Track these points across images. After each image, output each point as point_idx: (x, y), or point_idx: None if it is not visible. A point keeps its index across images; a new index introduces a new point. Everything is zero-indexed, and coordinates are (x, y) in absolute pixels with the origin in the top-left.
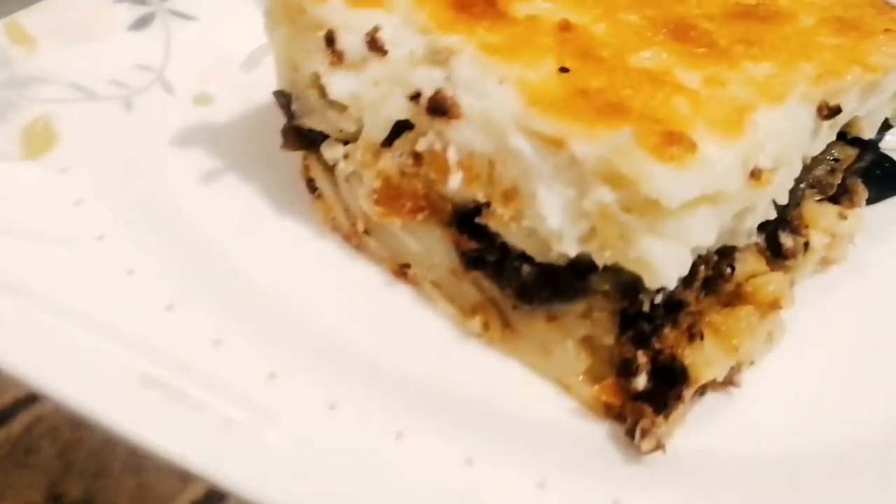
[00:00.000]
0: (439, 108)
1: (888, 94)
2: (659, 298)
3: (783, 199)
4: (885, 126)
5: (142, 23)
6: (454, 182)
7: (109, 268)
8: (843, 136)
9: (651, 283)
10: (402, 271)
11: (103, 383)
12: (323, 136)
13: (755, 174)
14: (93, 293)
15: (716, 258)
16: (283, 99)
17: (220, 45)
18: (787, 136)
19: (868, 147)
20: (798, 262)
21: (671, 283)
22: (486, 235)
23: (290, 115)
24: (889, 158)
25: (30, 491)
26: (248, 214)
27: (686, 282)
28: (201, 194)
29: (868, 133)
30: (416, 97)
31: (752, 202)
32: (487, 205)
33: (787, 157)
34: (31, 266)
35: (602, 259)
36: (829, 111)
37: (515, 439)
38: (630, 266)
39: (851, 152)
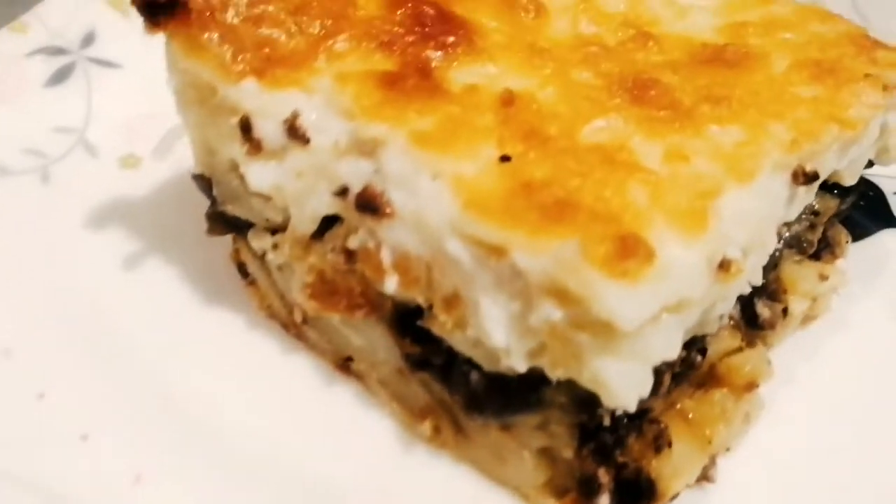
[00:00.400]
0: (368, 205)
1: (870, 142)
2: (629, 410)
3: (757, 281)
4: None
5: (60, 76)
6: (390, 285)
7: (16, 390)
8: (823, 184)
9: (609, 404)
10: (345, 366)
11: None
12: (250, 224)
13: (724, 266)
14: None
15: (683, 353)
16: (203, 183)
17: (149, 96)
18: (759, 217)
19: (850, 192)
20: (777, 331)
21: (631, 406)
22: (430, 338)
23: (212, 200)
24: (873, 186)
25: None
26: (176, 304)
27: (652, 390)
28: (124, 282)
29: (850, 181)
30: (343, 192)
31: (721, 296)
32: (429, 308)
33: (760, 239)
34: None
35: (554, 375)
36: (806, 178)
37: None
38: (585, 385)
39: (832, 203)
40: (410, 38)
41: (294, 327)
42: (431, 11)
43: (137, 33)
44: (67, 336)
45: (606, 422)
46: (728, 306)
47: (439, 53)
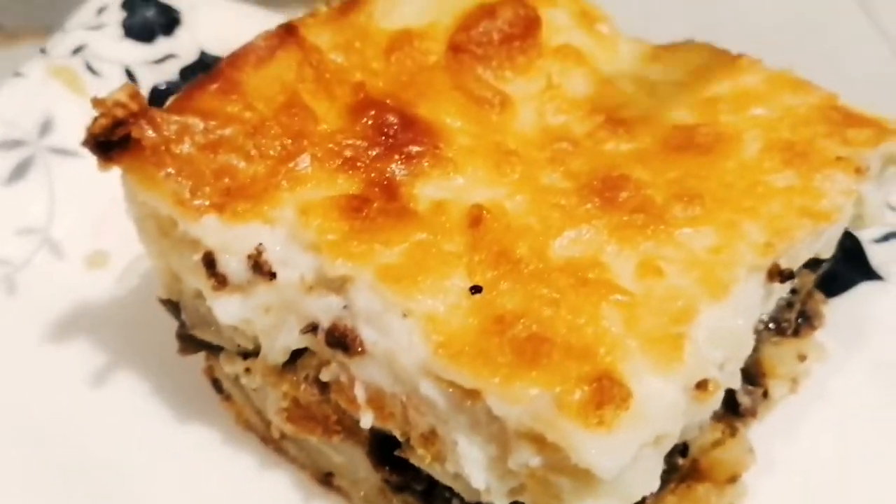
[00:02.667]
0: (339, 342)
1: (844, 222)
2: None
3: (736, 384)
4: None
5: (19, 172)
6: (365, 420)
7: None
8: None
9: None
10: (326, 480)
11: None
12: (220, 347)
13: (701, 386)
14: None
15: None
16: (171, 307)
17: (112, 184)
18: (736, 330)
19: (826, 259)
20: (757, 414)
21: None
22: (410, 465)
23: (180, 322)
24: (850, 235)
25: None
26: (150, 420)
27: None
28: (96, 402)
29: (826, 255)
30: (312, 329)
31: (699, 413)
32: (407, 440)
33: (737, 350)
34: None
35: None
36: (782, 276)
37: None
38: None
39: (809, 277)
40: (374, 152)
41: (273, 442)
42: (394, 119)
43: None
44: (36, 462)
45: None
46: (706, 417)
47: (404, 169)
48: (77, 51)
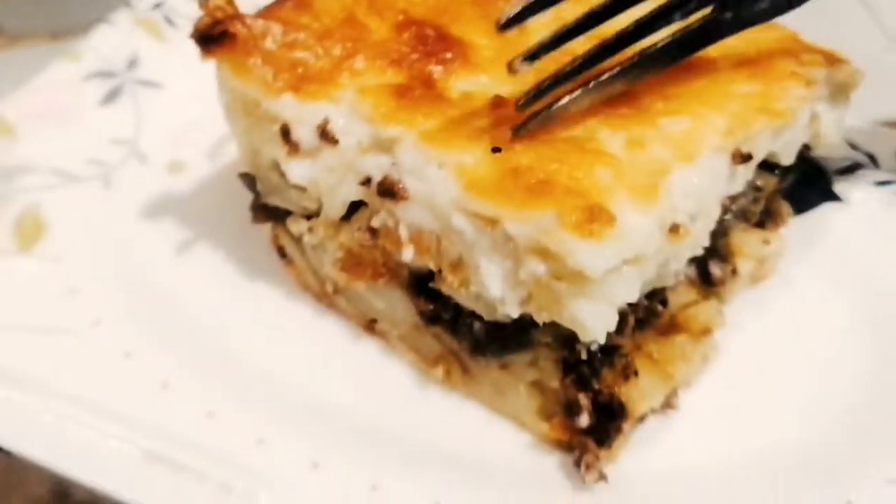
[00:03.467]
0: (388, 191)
1: (801, 127)
2: (595, 346)
3: (705, 242)
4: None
5: (111, 96)
6: (407, 255)
7: (107, 352)
8: (764, 164)
9: (584, 338)
10: (370, 326)
11: (110, 462)
12: (288, 212)
13: (674, 229)
14: (93, 378)
15: (646, 302)
16: (248, 180)
17: (189, 110)
18: (703, 190)
19: (789, 171)
20: (727, 287)
21: (601, 338)
22: (440, 297)
23: (256, 193)
24: (818, 166)
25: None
26: (228, 283)
27: (618, 330)
28: (183, 266)
29: (786, 161)
30: (366, 182)
31: (673, 254)
32: (439, 272)
33: (705, 208)
34: (35, 358)
35: (541, 318)
36: (742, 158)
37: (481, 478)
38: (565, 324)
39: (772, 180)
40: (415, 56)
41: (326, 297)
42: (432, 33)
43: (174, 57)
44: (145, 312)
45: (584, 356)
46: (681, 264)
47: (440, 68)
48: (157, 5)
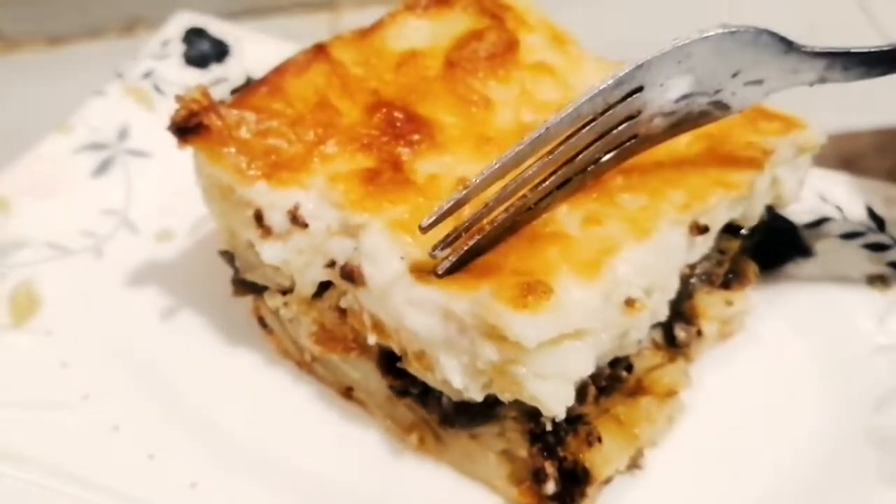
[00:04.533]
0: (349, 275)
1: (761, 193)
2: (559, 418)
3: (664, 314)
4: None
5: (103, 168)
6: (371, 339)
7: (96, 426)
8: (728, 227)
9: (546, 413)
10: (347, 393)
11: None
12: (265, 287)
13: (629, 303)
14: (82, 451)
15: (609, 370)
16: (228, 257)
17: (178, 179)
18: (657, 264)
19: (757, 230)
20: (693, 348)
21: (561, 413)
22: (409, 374)
23: (235, 269)
24: (786, 220)
25: None
26: (211, 351)
27: (579, 399)
28: (169, 335)
29: (749, 224)
30: (332, 265)
31: (631, 325)
32: (405, 354)
33: (660, 281)
34: (27, 433)
35: (504, 397)
36: (699, 230)
37: None
38: (527, 401)
39: (734, 242)
40: (385, 139)
41: (305, 365)
42: (401, 115)
43: (163, 125)
44: (133, 384)
45: (549, 427)
46: (642, 333)
47: (407, 150)
48: (147, 75)
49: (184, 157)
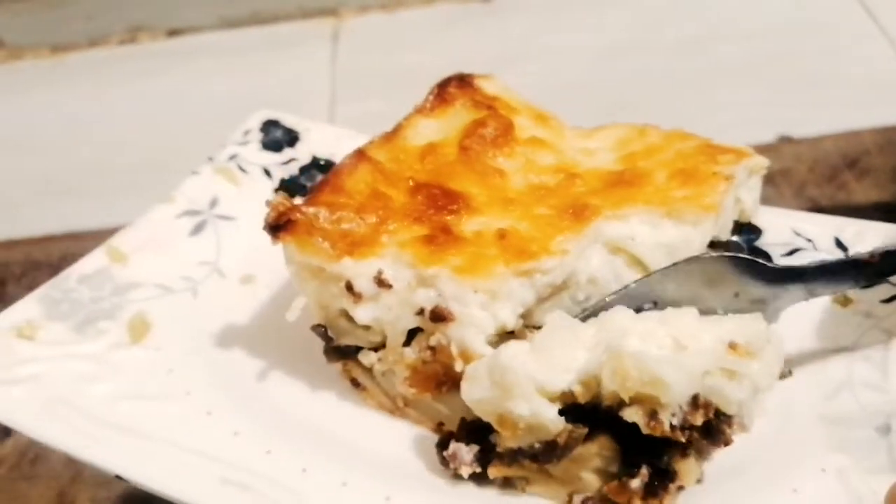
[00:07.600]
0: (439, 316)
1: (729, 211)
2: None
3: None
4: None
5: (198, 229)
6: (459, 367)
7: (195, 413)
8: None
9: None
10: (440, 429)
11: (197, 484)
12: (357, 348)
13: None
14: (186, 430)
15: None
16: (321, 329)
17: (257, 237)
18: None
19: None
20: None
21: None
22: None
23: (327, 339)
24: (764, 254)
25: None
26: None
27: None
28: (251, 350)
29: (724, 237)
30: (420, 312)
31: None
32: None
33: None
34: (147, 417)
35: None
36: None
37: None
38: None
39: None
40: (431, 212)
41: (398, 410)
42: (438, 192)
43: (245, 195)
44: (223, 385)
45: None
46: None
47: (451, 217)
48: (232, 157)
49: (260, 222)
